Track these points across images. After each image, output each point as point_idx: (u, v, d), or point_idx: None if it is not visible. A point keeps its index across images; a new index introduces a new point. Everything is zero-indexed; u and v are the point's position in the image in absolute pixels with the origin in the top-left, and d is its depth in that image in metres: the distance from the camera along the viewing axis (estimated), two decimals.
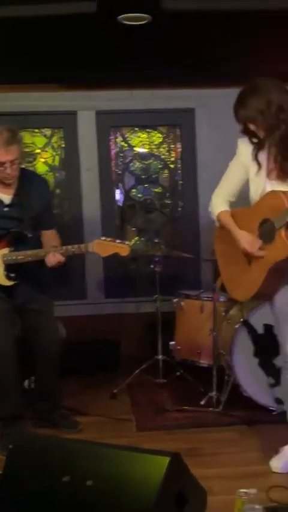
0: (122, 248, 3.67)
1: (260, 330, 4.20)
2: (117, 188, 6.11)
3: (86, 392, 4.82)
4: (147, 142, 6.14)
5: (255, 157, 3.22)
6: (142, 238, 6.18)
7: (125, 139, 6.10)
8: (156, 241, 5.11)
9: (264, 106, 3.07)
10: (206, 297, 4.69)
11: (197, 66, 5.00)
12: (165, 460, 2.29)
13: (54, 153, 6.03)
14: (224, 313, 4.56)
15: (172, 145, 6.16)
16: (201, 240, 5.95)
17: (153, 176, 6.16)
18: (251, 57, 4.74)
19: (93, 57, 4.73)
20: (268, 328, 4.16)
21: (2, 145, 3.66)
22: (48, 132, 6.01)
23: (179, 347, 4.82)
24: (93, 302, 5.91)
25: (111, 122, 5.98)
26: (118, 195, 6.11)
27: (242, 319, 4.24)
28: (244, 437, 3.84)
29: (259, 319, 4.18)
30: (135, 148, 6.12)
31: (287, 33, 4.21)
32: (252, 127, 3.16)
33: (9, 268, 3.81)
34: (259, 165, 3.21)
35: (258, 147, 3.21)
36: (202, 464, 3.34)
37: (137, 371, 4.79)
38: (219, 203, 3.39)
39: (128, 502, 2.25)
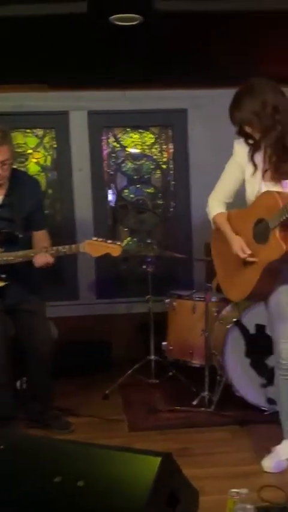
0: (114, 248, 3.67)
1: (252, 330, 4.21)
2: (110, 188, 6.11)
3: (78, 392, 4.81)
4: (140, 143, 6.15)
5: (251, 159, 3.24)
6: (134, 239, 6.18)
7: (117, 140, 6.10)
8: (149, 241, 5.11)
9: (259, 107, 3.08)
10: (198, 297, 4.69)
11: (189, 66, 5.01)
12: (157, 460, 2.29)
13: (46, 154, 6.02)
14: (216, 314, 4.57)
15: (164, 146, 6.16)
16: (193, 241, 5.95)
17: (146, 177, 6.16)
18: (243, 58, 4.75)
19: (85, 58, 4.73)
20: (260, 328, 4.17)
21: None
22: (40, 132, 6.00)
23: (171, 347, 4.83)
24: (85, 303, 5.90)
25: (103, 122, 5.97)
26: (110, 195, 6.11)
27: (234, 320, 4.25)
28: (236, 437, 3.84)
29: (251, 319, 4.19)
30: (127, 149, 6.12)
31: (280, 33, 4.22)
32: (248, 129, 3.18)
33: (0, 269, 3.80)
34: (255, 166, 3.23)
35: (254, 148, 3.23)
36: (194, 464, 3.34)
37: (129, 371, 4.79)
38: (215, 205, 3.42)
39: (120, 503, 2.25)
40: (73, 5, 3.69)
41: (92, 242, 3.69)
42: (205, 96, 5.70)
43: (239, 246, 3.25)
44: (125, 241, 6.15)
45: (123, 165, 6.13)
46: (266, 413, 4.10)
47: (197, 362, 4.65)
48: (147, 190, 6.19)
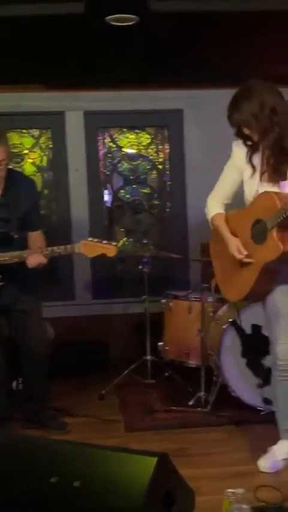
0: (109, 249, 3.66)
1: (248, 330, 4.21)
2: (106, 189, 6.11)
3: (74, 393, 4.81)
4: (136, 143, 6.15)
5: (250, 160, 3.25)
6: (130, 239, 6.18)
7: (113, 140, 6.10)
8: (145, 241, 5.11)
9: (257, 109, 3.09)
10: (194, 298, 4.69)
11: (185, 67, 5.01)
12: (153, 461, 2.29)
13: (42, 154, 6.01)
14: (212, 314, 4.57)
15: (160, 146, 6.16)
16: (189, 241, 5.96)
17: (142, 177, 6.16)
18: (239, 58, 4.76)
19: (81, 58, 4.72)
20: (256, 328, 4.17)
21: None
22: (36, 132, 6.00)
23: (167, 348, 4.83)
24: (81, 303, 5.90)
25: (99, 123, 5.97)
26: (106, 195, 6.11)
27: (230, 320, 4.25)
28: (232, 438, 3.84)
29: (247, 319, 4.19)
30: (123, 149, 6.12)
31: (275, 34, 4.23)
32: (246, 131, 3.18)
33: None
34: (253, 167, 3.24)
35: (252, 149, 3.24)
36: (190, 464, 3.35)
37: (125, 372, 4.79)
38: (214, 206, 3.43)
39: (116, 503, 2.25)
40: (70, 5, 3.68)
41: (87, 242, 3.68)
42: (201, 96, 5.71)
43: (236, 246, 3.26)
44: (121, 242, 6.15)
45: (119, 165, 6.13)
46: (262, 413, 4.10)
47: (193, 362, 4.65)
48: (143, 190, 6.19)
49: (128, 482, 2.28)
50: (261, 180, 3.21)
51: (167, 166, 6.13)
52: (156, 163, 6.16)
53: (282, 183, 3.12)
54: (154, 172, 6.18)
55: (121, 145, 6.11)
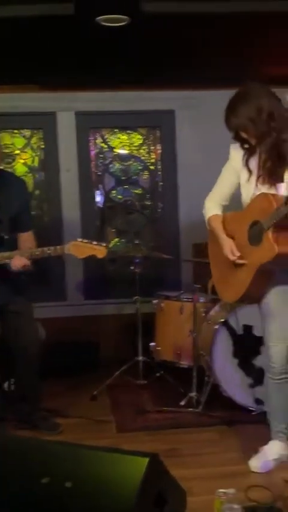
0: (99, 250, 3.66)
1: (240, 330, 4.22)
2: (97, 189, 6.11)
3: (66, 393, 4.81)
4: (127, 144, 6.15)
5: (246, 164, 3.26)
6: (122, 240, 6.18)
7: (104, 141, 6.11)
8: (136, 242, 5.11)
9: (254, 114, 3.10)
10: (186, 298, 4.70)
11: (176, 68, 5.02)
12: (145, 461, 2.29)
13: (33, 154, 6.01)
14: (204, 314, 4.57)
15: (152, 147, 6.17)
16: (181, 241, 5.97)
17: (133, 177, 6.17)
18: (230, 59, 4.77)
19: (73, 58, 4.72)
20: (248, 328, 4.18)
21: None
22: (27, 133, 5.99)
23: (159, 348, 4.83)
24: (73, 303, 5.90)
25: (90, 123, 5.97)
26: (98, 196, 6.11)
27: (221, 320, 4.26)
28: (224, 438, 3.85)
29: (239, 319, 4.20)
30: (115, 150, 6.12)
31: (268, 35, 4.24)
32: (243, 134, 3.19)
33: None
34: (249, 171, 3.25)
35: (249, 153, 3.25)
36: (182, 464, 3.35)
37: (117, 372, 4.79)
38: (211, 207, 3.45)
39: (108, 503, 2.25)
40: (60, 6, 3.68)
41: (77, 243, 3.68)
42: (193, 97, 5.72)
43: (229, 248, 3.28)
44: (113, 242, 6.15)
45: (111, 165, 6.14)
46: (253, 413, 4.11)
47: (184, 363, 4.66)
48: (135, 191, 6.19)
49: (120, 483, 2.28)
50: (257, 183, 3.22)
51: (159, 166, 6.14)
52: (148, 163, 6.17)
53: (278, 185, 3.13)
54: (146, 172, 6.18)
55: (113, 145, 6.12)
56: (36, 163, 6.01)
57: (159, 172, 6.14)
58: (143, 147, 6.16)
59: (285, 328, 3.22)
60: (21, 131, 5.98)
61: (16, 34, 4.06)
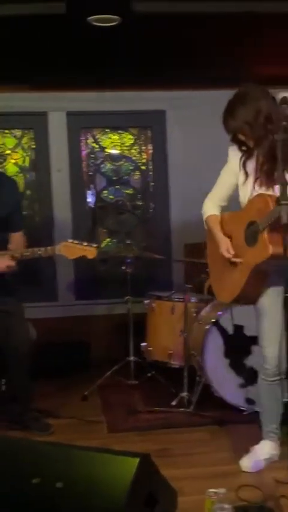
0: (89, 251, 3.66)
1: (231, 330, 4.22)
2: (89, 189, 6.10)
3: (57, 394, 4.80)
4: (119, 144, 6.15)
5: (243, 166, 3.27)
6: (114, 240, 6.18)
7: (96, 141, 6.10)
8: (128, 242, 5.10)
9: (252, 117, 3.11)
10: (177, 298, 4.70)
11: (167, 68, 5.02)
12: (135, 461, 2.29)
13: (24, 154, 6.00)
14: (195, 314, 4.58)
15: (143, 147, 6.17)
16: (172, 241, 5.97)
17: (125, 178, 6.17)
18: (221, 60, 4.77)
19: (64, 58, 4.72)
20: (239, 328, 4.19)
21: None
22: (18, 133, 5.98)
23: (150, 348, 4.83)
24: (64, 304, 5.89)
25: (82, 123, 5.97)
26: (89, 196, 6.10)
27: (212, 320, 4.26)
28: (215, 438, 3.86)
29: (229, 319, 4.20)
30: (106, 150, 6.12)
31: (259, 35, 4.25)
32: (241, 137, 3.20)
33: None
34: (246, 174, 3.25)
35: (246, 155, 3.26)
36: (173, 464, 3.35)
37: (108, 373, 4.79)
38: (210, 207, 3.47)
39: (98, 503, 2.25)
40: (51, 5, 3.68)
41: (68, 244, 3.68)
42: (183, 97, 5.72)
43: (225, 246, 3.30)
44: (104, 242, 6.15)
45: (102, 166, 6.13)
46: (244, 413, 4.12)
47: (176, 363, 4.66)
48: (127, 191, 6.19)
49: (111, 483, 2.27)
50: (255, 185, 3.23)
51: (150, 167, 6.14)
52: (139, 164, 6.17)
53: (276, 187, 3.14)
54: (137, 173, 6.18)
55: (104, 145, 6.11)
56: (27, 163, 6.00)
57: (151, 173, 6.14)
58: (134, 147, 6.16)
59: (279, 329, 3.22)
60: (12, 131, 5.97)
61: (6, 33, 4.05)
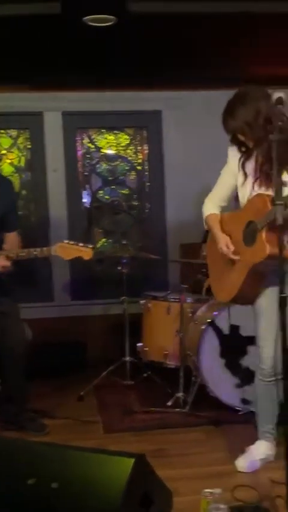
0: (85, 252, 3.66)
1: (226, 330, 4.23)
2: (84, 190, 6.10)
3: (53, 394, 4.80)
4: (114, 144, 6.15)
5: (242, 167, 3.27)
6: (109, 240, 6.18)
7: (91, 141, 6.10)
8: (124, 242, 5.10)
9: (251, 118, 3.11)
10: (173, 298, 4.70)
11: (164, 68, 5.02)
12: (130, 462, 2.29)
13: (20, 154, 5.99)
14: (190, 314, 4.58)
15: (139, 147, 6.17)
16: (168, 242, 5.97)
17: (120, 178, 6.17)
18: (218, 60, 4.77)
19: (59, 58, 4.71)
20: (234, 328, 4.19)
21: None
22: (14, 133, 5.98)
23: (146, 348, 4.83)
24: (60, 304, 5.89)
25: (77, 123, 5.96)
26: (85, 196, 6.10)
27: (208, 320, 4.26)
28: (210, 438, 3.86)
29: (225, 319, 4.21)
30: (102, 150, 6.12)
31: (255, 35, 4.25)
32: (241, 137, 3.21)
33: None
34: (245, 175, 3.26)
35: (245, 156, 3.26)
36: (169, 465, 3.36)
37: (104, 373, 4.79)
38: (210, 207, 3.49)
39: (94, 504, 2.25)
40: (47, 5, 3.67)
41: (64, 245, 3.68)
42: (179, 97, 5.72)
43: (224, 242, 3.31)
44: (100, 243, 6.15)
45: (98, 166, 6.13)
46: (240, 413, 4.12)
47: (171, 363, 4.66)
48: (122, 191, 6.19)
49: (106, 484, 2.28)
50: (254, 186, 3.24)
51: (146, 167, 6.14)
52: (135, 164, 6.17)
53: None
54: (133, 173, 6.18)
55: (100, 146, 6.11)
56: (22, 163, 6.00)
57: (146, 173, 6.14)
58: (130, 147, 6.16)
59: (276, 329, 3.23)
60: (8, 131, 5.96)
61: (1, 33, 4.04)
